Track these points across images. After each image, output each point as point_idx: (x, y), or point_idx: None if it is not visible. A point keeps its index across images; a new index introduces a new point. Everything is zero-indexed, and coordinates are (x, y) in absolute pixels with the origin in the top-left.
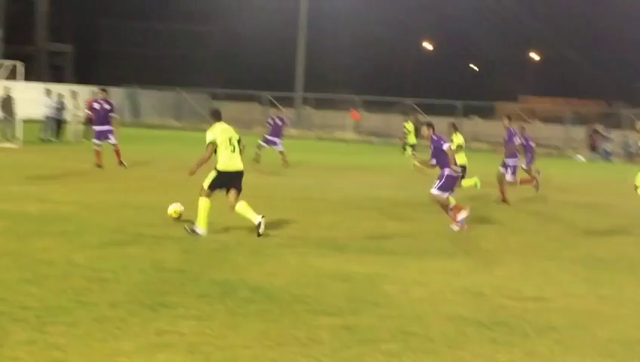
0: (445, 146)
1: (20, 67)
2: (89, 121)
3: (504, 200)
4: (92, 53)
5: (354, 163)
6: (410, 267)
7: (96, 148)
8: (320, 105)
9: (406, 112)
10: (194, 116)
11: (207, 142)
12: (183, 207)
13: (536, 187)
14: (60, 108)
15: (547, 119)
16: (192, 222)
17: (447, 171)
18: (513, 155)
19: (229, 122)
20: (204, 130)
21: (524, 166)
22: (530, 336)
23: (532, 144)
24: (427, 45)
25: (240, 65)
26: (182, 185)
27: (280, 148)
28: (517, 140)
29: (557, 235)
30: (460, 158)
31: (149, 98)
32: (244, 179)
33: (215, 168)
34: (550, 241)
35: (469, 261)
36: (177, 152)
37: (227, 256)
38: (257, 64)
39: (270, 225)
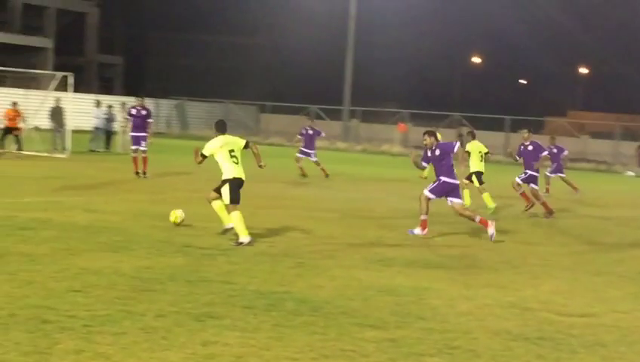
0: (456, 146)
1: (70, 78)
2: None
3: (549, 212)
4: (141, 65)
5: (400, 176)
6: (456, 281)
7: (133, 154)
8: (367, 118)
9: (436, 126)
10: (241, 128)
11: (202, 152)
12: (184, 214)
13: (528, 207)
14: (110, 119)
15: (596, 134)
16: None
17: (443, 178)
18: (531, 167)
19: (239, 131)
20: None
21: (547, 173)
22: (578, 352)
23: (563, 154)
24: (476, 59)
25: (288, 77)
26: None
27: (313, 158)
28: (544, 153)
29: (605, 250)
30: (478, 165)
31: (196, 110)
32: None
33: (224, 180)
34: (598, 256)
35: (515, 275)
36: None
37: (273, 268)
38: (305, 77)
39: (316, 237)
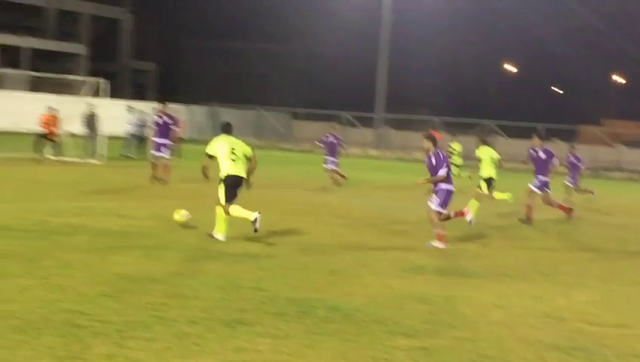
0: (442, 171)
1: (104, 84)
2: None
3: (568, 212)
4: (174, 72)
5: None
6: (489, 290)
7: (153, 160)
8: (400, 125)
9: (453, 133)
10: (274, 134)
11: (206, 151)
12: (189, 215)
13: (523, 220)
14: (143, 125)
15: (631, 143)
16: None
17: (443, 185)
18: (542, 173)
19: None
20: (284, 149)
21: (568, 183)
22: None
23: (581, 165)
24: (509, 66)
25: (320, 84)
26: (260, 201)
27: (330, 166)
28: (556, 161)
29: (637, 260)
30: (489, 171)
31: (229, 116)
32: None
33: (220, 179)
34: (630, 266)
35: (548, 285)
36: (257, 170)
37: (305, 274)
38: (338, 84)
39: (348, 245)
